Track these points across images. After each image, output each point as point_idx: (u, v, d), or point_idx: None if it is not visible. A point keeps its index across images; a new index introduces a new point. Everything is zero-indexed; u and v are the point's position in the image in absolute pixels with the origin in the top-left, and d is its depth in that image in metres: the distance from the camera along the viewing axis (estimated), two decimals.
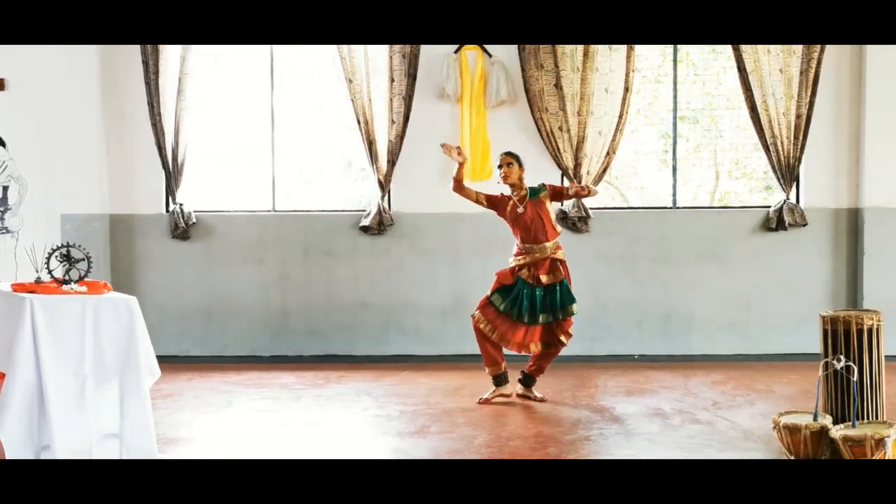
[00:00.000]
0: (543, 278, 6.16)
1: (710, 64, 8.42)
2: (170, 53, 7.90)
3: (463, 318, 7.05)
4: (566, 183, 7.88)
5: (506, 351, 6.29)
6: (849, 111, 8.02)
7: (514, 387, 6.37)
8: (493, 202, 6.33)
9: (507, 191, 6.32)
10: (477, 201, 6.33)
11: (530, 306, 6.13)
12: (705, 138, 8.50)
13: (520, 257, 6.24)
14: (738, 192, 8.76)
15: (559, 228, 6.35)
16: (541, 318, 6.15)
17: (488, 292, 6.25)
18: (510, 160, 6.25)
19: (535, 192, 6.27)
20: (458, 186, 6.27)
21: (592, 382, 6.98)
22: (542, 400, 6.34)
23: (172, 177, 8.01)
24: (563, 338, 6.23)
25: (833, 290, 8.09)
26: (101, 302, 4.58)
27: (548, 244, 6.19)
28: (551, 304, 6.16)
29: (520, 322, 6.14)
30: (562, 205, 8.04)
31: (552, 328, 6.22)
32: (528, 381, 6.40)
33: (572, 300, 6.20)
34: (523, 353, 6.30)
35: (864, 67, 7.90)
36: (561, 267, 6.22)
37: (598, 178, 7.97)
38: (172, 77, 7.92)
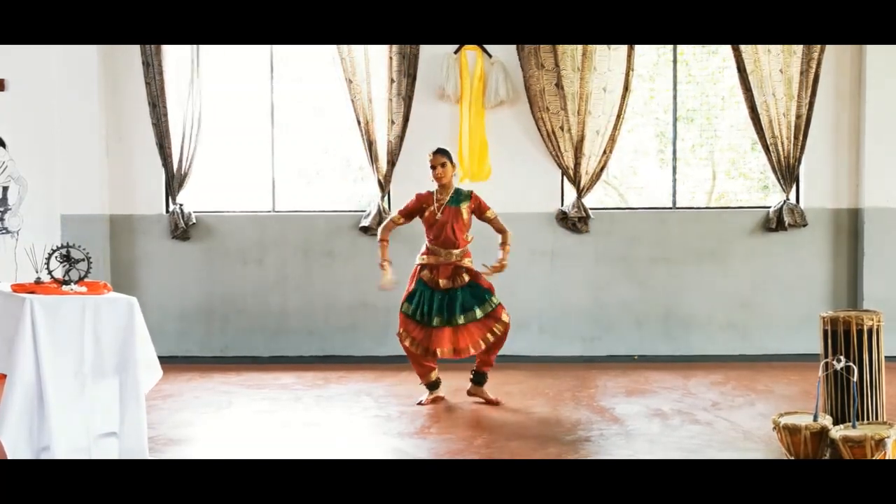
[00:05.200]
0: (442, 282, 6.05)
1: (705, 63, 8.41)
2: (173, 54, 7.90)
3: None
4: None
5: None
6: (849, 111, 8.02)
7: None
8: (411, 214, 6.16)
9: (431, 186, 6.14)
10: (397, 225, 6.19)
11: (428, 309, 6.04)
12: (702, 138, 8.50)
13: (424, 257, 6.14)
14: (735, 191, 8.77)
15: (470, 238, 6.18)
16: (435, 322, 6.02)
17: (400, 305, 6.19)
18: (444, 160, 6.04)
19: (457, 199, 6.09)
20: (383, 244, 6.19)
21: (592, 383, 6.97)
22: (495, 403, 6.19)
23: (177, 178, 7.99)
24: (497, 327, 6.04)
25: (833, 290, 8.08)
26: (101, 302, 4.59)
27: (455, 251, 6.06)
28: (449, 308, 6.02)
29: (424, 325, 6.04)
30: (561, 205, 8.05)
31: (485, 324, 6.03)
32: (478, 378, 6.23)
33: (475, 305, 6.02)
34: (459, 359, 6.10)
35: (864, 67, 7.89)
36: (466, 275, 6.06)
37: (596, 177, 7.96)
38: (176, 77, 7.92)
